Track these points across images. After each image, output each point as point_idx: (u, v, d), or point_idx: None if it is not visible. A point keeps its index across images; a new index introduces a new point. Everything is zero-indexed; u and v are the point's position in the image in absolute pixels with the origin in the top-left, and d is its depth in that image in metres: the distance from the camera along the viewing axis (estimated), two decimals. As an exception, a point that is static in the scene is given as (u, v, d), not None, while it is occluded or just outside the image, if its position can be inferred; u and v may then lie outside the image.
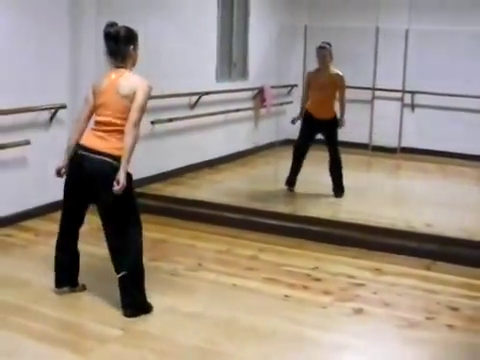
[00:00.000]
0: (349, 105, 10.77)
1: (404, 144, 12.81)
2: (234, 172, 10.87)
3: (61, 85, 7.63)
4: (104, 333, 4.70)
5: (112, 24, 5.03)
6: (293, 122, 9.21)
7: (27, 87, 7.06)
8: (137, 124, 4.89)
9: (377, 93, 12.86)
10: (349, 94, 11.68)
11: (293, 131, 11.45)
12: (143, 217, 7.46)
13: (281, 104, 12.76)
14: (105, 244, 5.34)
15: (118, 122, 4.92)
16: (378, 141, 12.84)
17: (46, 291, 5.34)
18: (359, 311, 5.19)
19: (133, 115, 4.84)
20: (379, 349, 4.67)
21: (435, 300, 5.48)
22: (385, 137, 12.81)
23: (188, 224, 7.39)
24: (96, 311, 5.05)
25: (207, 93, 10.18)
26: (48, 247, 5.94)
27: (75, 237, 5.34)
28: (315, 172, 9.56)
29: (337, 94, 9.04)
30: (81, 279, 5.38)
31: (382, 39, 12.62)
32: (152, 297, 5.30)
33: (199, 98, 10.08)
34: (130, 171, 5.00)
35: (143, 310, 5.02)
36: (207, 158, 10.58)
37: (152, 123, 9.05)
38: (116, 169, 4.83)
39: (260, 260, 6.38)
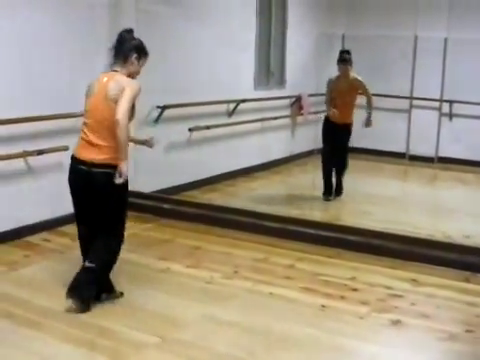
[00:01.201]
0: (386, 114, 10.79)
1: (441, 154, 12.71)
2: (270, 180, 10.86)
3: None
4: (141, 340, 4.70)
5: (129, 30, 5.15)
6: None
7: (66, 93, 7.11)
8: (123, 117, 4.76)
9: (415, 102, 12.79)
10: (386, 103, 11.69)
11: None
12: (180, 224, 7.56)
13: (318, 112, 12.71)
14: (143, 251, 5.39)
15: (107, 128, 4.89)
16: (415, 150, 12.76)
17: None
18: (397, 322, 5.13)
19: (119, 109, 4.75)
20: (418, 361, 4.63)
21: (474, 313, 5.40)
22: (422, 146, 12.73)
23: (225, 232, 7.38)
24: (134, 318, 5.06)
25: (244, 101, 10.18)
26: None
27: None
28: (351, 181, 9.50)
29: (357, 100, 9.12)
30: (119, 286, 5.40)
31: (420, 47, 12.55)
32: (188, 305, 5.33)
33: (237, 106, 10.08)
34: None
35: (83, 304, 5.06)
36: (243, 166, 10.57)
37: (190, 130, 9.07)
38: (109, 175, 4.90)
39: (297, 269, 6.34)
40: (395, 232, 7.00)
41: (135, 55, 5.06)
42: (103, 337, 4.73)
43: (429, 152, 12.71)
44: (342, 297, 5.63)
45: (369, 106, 9.13)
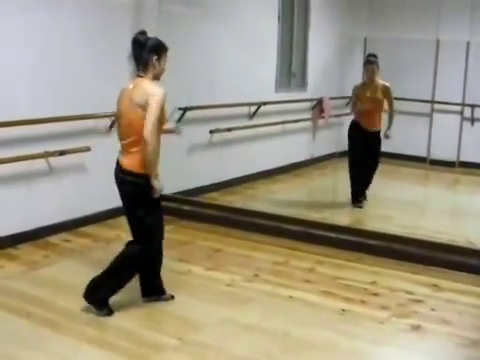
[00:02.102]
0: (407, 117, 10.75)
1: (463, 158, 12.65)
2: (290, 183, 10.85)
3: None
4: (161, 342, 4.70)
5: (142, 32, 5.05)
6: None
7: (88, 94, 7.13)
8: (151, 134, 4.76)
9: (436, 106, 12.73)
10: (407, 106, 11.66)
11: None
12: (200, 226, 7.56)
13: (339, 116, 12.70)
14: (163, 252, 5.38)
15: (135, 133, 4.88)
16: (436, 155, 12.70)
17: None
18: (417, 327, 5.10)
19: (147, 123, 4.75)
20: (439, 367, 4.61)
21: (496, 319, 5.38)
22: (443, 151, 12.66)
23: (245, 234, 7.37)
24: (153, 319, 5.07)
25: (266, 103, 10.17)
26: (105, 253, 5.99)
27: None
28: (372, 185, 9.45)
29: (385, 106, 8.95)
30: (138, 288, 5.39)
31: (442, 51, 12.50)
32: (208, 307, 5.32)
33: (258, 108, 10.07)
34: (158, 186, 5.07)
35: (96, 304, 5.08)
36: (263, 168, 10.56)
37: (211, 132, 9.08)
38: (135, 184, 4.99)
39: (317, 273, 6.33)
40: (416, 237, 6.98)
41: (155, 57, 5.00)
42: (122, 338, 4.73)
43: (450, 156, 12.64)
44: (362, 301, 5.61)
45: (390, 117, 9.00)
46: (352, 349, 4.72)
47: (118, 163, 5.07)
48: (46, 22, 6.68)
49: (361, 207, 9.02)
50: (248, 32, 9.71)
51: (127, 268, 5.20)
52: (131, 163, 4.94)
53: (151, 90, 4.88)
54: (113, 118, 7.07)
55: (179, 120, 8.53)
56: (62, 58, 6.89)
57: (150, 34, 7.25)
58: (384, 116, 8.97)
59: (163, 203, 8.08)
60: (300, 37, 11.53)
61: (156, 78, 5.08)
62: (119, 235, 7.08)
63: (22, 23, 6.42)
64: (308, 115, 11.96)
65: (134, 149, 4.92)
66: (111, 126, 7.33)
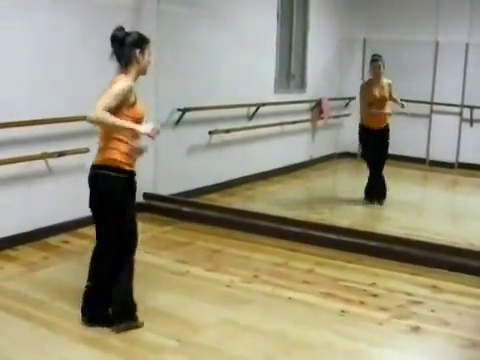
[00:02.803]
0: (406, 119, 10.72)
1: (462, 159, 12.65)
2: (289, 184, 10.84)
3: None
4: (159, 343, 4.69)
5: (120, 28, 4.84)
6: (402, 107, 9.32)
7: (87, 95, 7.10)
8: (97, 112, 4.52)
9: (435, 107, 12.74)
10: (406, 108, 11.61)
11: (350, 144, 11.44)
12: (199, 227, 7.56)
13: (338, 117, 12.70)
14: (162, 253, 5.38)
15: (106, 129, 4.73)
16: (435, 156, 12.70)
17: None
18: (416, 329, 5.09)
19: (98, 102, 4.57)
20: (438, 369, 4.60)
21: (496, 320, 5.37)
22: (443, 152, 12.66)
23: (244, 235, 7.36)
24: (152, 321, 5.04)
25: (265, 104, 10.17)
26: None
27: None
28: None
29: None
30: (137, 289, 5.37)
31: (441, 53, 12.49)
32: (207, 308, 5.32)
33: (257, 109, 10.07)
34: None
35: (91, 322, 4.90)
36: (262, 170, 10.57)
37: (210, 133, 9.07)
38: (104, 176, 4.75)
39: (317, 274, 6.32)
40: (415, 238, 6.97)
41: (138, 51, 4.80)
42: (120, 340, 4.72)
43: (449, 158, 12.65)
44: (362, 303, 5.60)
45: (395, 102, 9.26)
46: (351, 350, 4.70)
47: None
48: (45, 24, 6.67)
49: (381, 204, 9.22)
50: (247, 33, 9.71)
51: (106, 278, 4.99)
52: (101, 158, 4.77)
53: (118, 81, 4.72)
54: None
55: (177, 122, 8.53)
56: (61, 59, 6.89)
57: (149, 36, 7.26)
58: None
59: (162, 204, 8.18)
60: (299, 38, 11.54)
61: (142, 73, 4.93)
62: (118, 236, 7.08)
63: (21, 24, 6.41)
64: (307, 116, 11.97)
65: (105, 144, 4.77)
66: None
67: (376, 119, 9.04)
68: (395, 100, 9.21)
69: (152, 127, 4.67)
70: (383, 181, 9.28)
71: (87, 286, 4.94)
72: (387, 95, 9.02)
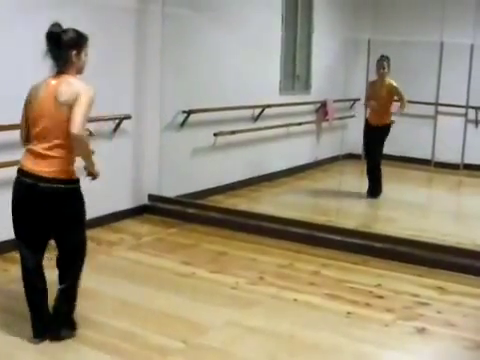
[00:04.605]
0: (411, 120, 10.77)
1: (467, 160, 12.61)
2: (295, 186, 10.82)
3: (126, 96, 7.70)
4: (165, 345, 4.68)
5: (56, 25, 4.52)
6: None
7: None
8: (81, 129, 4.26)
9: (440, 108, 12.70)
10: (411, 109, 11.63)
11: (355, 146, 11.42)
12: (204, 229, 7.56)
13: (343, 118, 12.68)
14: (167, 255, 5.35)
15: (60, 136, 4.36)
16: (441, 157, 12.67)
17: (108, 300, 5.37)
18: (422, 330, 5.07)
19: (75, 117, 4.24)
20: (445, 370, 4.59)
21: (502, 322, 5.35)
22: (448, 153, 12.63)
23: (250, 237, 7.36)
24: (157, 323, 5.04)
25: (270, 106, 10.16)
26: (109, 256, 6.00)
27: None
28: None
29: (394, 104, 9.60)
30: (142, 291, 5.37)
31: (446, 54, 12.46)
32: (213, 310, 5.31)
33: (262, 111, 10.06)
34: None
35: (66, 323, 4.74)
36: (267, 171, 10.57)
37: (215, 135, 9.07)
38: (67, 192, 4.47)
39: (322, 276, 6.31)
40: (421, 239, 6.95)
41: (74, 52, 4.51)
42: (126, 341, 4.71)
43: (455, 159, 12.61)
44: (367, 304, 5.58)
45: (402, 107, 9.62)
46: (357, 352, 4.69)
47: (27, 172, 4.44)
48: (48, 25, 6.66)
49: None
50: (252, 34, 9.70)
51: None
52: (57, 170, 4.40)
53: (81, 87, 4.40)
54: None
55: (182, 124, 8.53)
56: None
57: (154, 39, 7.17)
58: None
59: (167, 206, 8.18)
60: (304, 39, 11.53)
61: (79, 72, 4.60)
62: (123, 238, 7.09)
63: (23, 26, 6.38)
64: (312, 118, 11.96)
65: (56, 154, 4.39)
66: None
67: (373, 115, 9.55)
68: (403, 103, 9.56)
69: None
70: (377, 177, 9.59)
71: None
72: (386, 95, 9.36)
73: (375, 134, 9.49)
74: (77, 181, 4.54)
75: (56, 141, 4.38)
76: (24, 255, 4.73)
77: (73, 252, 4.71)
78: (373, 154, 9.66)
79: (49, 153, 4.38)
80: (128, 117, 7.59)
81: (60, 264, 4.71)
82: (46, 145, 4.39)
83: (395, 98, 9.49)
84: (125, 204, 7.73)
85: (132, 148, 7.93)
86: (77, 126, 4.24)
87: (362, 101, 10.27)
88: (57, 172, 4.39)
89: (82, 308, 5.07)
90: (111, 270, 5.77)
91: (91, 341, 4.70)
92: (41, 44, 6.18)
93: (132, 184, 7.98)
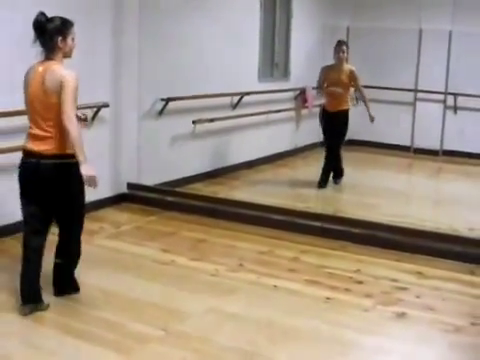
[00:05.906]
0: (390, 107, 10.79)
1: (446, 147, 12.71)
2: (274, 173, 10.83)
3: (104, 84, 7.65)
4: (146, 333, 4.68)
5: (41, 14, 4.75)
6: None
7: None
8: (71, 116, 4.58)
9: (419, 95, 12.77)
10: (390, 96, 11.71)
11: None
12: (184, 217, 7.55)
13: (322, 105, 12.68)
14: (147, 243, 5.33)
15: (53, 117, 4.68)
16: (420, 143, 12.75)
17: (89, 289, 5.35)
18: (402, 315, 5.11)
19: (65, 107, 4.56)
20: (424, 353, 4.60)
21: (480, 305, 5.39)
22: (427, 139, 12.71)
23: (229, 224, 7.35)
24: (138, 311, 5.04)
25: (248, 93, 10.15)
26: (89, 245, 5.98)
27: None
28: (356, 174, 9.48)
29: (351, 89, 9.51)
30: (122, 279, 5.37)
31: (425, 40, 12.53)
32: (193, 298, 5.31)
33: (241, 98, 10.05)
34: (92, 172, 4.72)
35: (72, 288, 5.26)
36: (247, 159, 10.56)
37: (194, 123, 9.05)
38: (61, 166, 4.76)
39: (302, 262, 6.32)
40: (400, 225, 6.97)
41: (60, 38, 4.74)
42: (106, 330, 4.71)
43: (434, 145, 12.70)
44: (347, 290, 5.61)
45: (363, 100, 9.47)
46: (337, 337, 4.71)
47: (30, 152, 4.80)
48: (25, 19, 6.59)
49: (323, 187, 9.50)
50: (230, 22, 9.68)
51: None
52: (51, 147, 4.73)
53: (63, 73, 4.66)
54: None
55: (161, 111, 8.50)
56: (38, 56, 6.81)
57: (132, 26, 7.17)
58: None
59: (147, 194, 8.16)
60: (283, 27, 11.51)
61: (66, 56, 4.86)
62: (102, 227, 7.07)
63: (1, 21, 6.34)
64: (291, 105, 11.96)
65: (49, 134, 4.72)
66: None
67: (330, 102, 9.34)
68: (361, 91, 9.45)
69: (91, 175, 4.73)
70: (337, 164, 9.64)
71: (57, 263, 5.22)
72: (346, 80, 9.21)
73: (333, 121, 9.28)
74: (74, 156, 4.69)
75: (49, 122, 4.72)
76: (28, 237, 5.06)
77: (73, 217, 5.12)
78: (335, 142, 9.45)
79: (45, 134, 4.74)
80: (106, 105, 7.54)
81: (61, 232, 5.19)
82: (42, 126, 4.75)
83: (352, 83, 9.32)
84: (104, 193, 7.68)
85: (110, 136, 7.89)
86: (66, 113, 4.59)
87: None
88: (55, 149, 4.73)
89: (62, 297, 5.08)
90: (91, 259, 5.74)
91: (72, 330, 4.70)
92: (18, 37, 6.12)
93: (111, 173, 7.94)
